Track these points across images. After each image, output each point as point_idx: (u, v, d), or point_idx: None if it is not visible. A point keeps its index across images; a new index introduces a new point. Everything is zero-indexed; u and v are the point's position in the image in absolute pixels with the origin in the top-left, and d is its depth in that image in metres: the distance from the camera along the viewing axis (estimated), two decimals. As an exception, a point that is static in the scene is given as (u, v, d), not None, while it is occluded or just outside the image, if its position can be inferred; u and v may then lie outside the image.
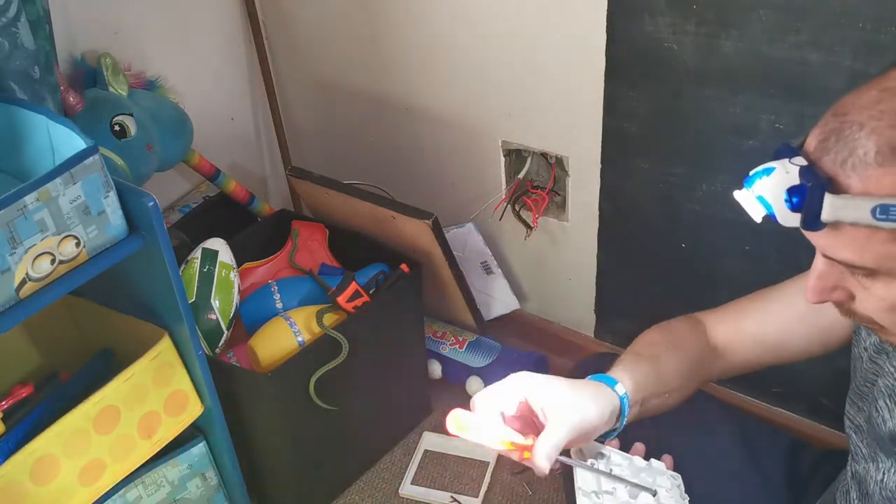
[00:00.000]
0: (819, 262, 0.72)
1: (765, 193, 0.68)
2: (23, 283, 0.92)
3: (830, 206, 0.64)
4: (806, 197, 0.65)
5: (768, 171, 0.68)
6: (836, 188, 0.64)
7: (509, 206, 1.63)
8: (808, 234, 0.69)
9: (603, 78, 1.36)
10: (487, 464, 1.56)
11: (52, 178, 0.91)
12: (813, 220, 0.65)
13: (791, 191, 0.66)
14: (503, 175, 1.62)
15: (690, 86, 1.27)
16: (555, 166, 1.55)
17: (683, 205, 1.39)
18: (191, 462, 1.22)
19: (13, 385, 1.10)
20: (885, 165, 0.63)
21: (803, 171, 0.66)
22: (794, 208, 0.66)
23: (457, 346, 1.66)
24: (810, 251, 1.10)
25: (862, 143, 0.63)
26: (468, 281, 1.59)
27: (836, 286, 0.72)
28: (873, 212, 0.63)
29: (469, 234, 1.69)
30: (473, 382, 1.64)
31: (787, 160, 0.67)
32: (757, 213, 0.69)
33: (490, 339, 1.67)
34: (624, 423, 0.89)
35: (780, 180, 0.67)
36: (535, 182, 1.59)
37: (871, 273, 0.68)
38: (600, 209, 1.51)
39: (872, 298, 0.70)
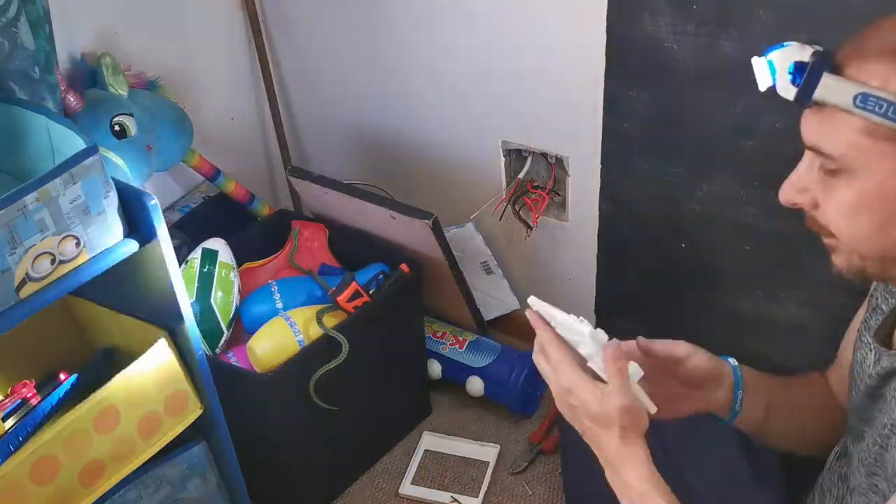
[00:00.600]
0: (801, 164, 0.79)
1: (774, 61, 0.75)
2: (23, 283, 0.92)
3: (823, 86, 0.71)
4: (807, 73, 0.72)
5: (785, 45, 0.74)
6: (834, 71, 0.71)
7: (509, 206, 1.63)
8: (802, 120, 0.76)
9: (603, 78, 1.36)
10: (487, 464, 1.56)
11: (52, 178, 0.91)
12: (805, 95, 0.72)
13: (797, 65, 0.73)
14: (503, 175, 1.62)
15: (690, 86, 1.27)
16: (555, 166, 1.55)
17: (683, 205, 1.39)
18: (190, 462, 1.22)
19: (13, 385, 1.10)
20: (881, 61, 0.70)
21: (815, 53, 0.73)
22: (793, 81, 0.73)
23: (457, 346, 1.66)
24: (810, 251, 1.10)
25: (872, 42, 0.71)
26: (468, 281, 1.59)
27: (806, 188, 0.78)
28: (854, 98, 0.69)
29: (469, 234, 1.69)
30: (473, 382, 1.64)
31: (807, 44, 0.74)
32: (764, 81, 0.76)
33: (490, 339, 1.67)
34: (738, 401, 0.95)
35: (791, 53, 0.74)
36: (535, 182, 1.59)
37: (836, 172, 0.74)
38: (600, 209, 1.51)
39: (833, 203, 0.76)
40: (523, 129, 1.55)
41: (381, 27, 1.62)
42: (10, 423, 1.05)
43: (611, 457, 0.85)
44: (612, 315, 1.66)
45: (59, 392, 1.11)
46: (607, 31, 1.31)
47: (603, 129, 1.42)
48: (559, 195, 1.59)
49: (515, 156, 1.60)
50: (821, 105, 0.72)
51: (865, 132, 0.71)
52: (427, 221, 1.41)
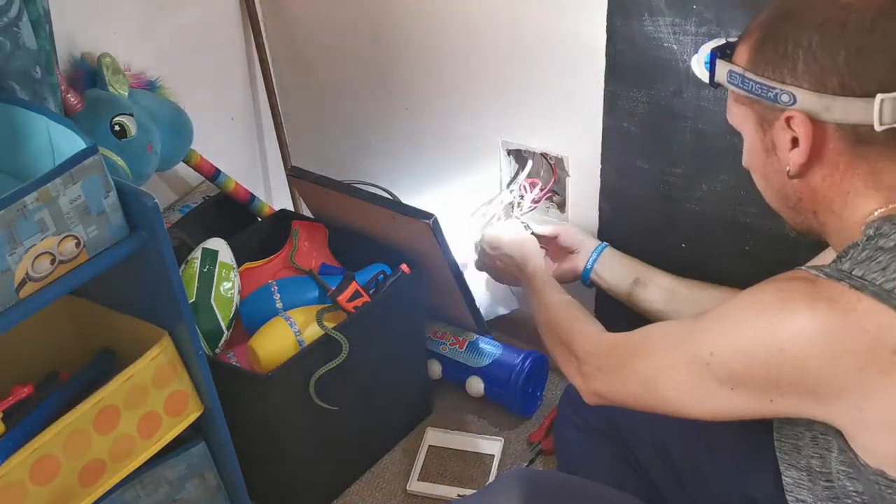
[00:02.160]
0: None
1: (700, 52, 0.93)
2: (23, 283, 0.92)
3: (717, 69, 0.89)
4: (710, 60, 0.89)
5: (712, 39, 0.90)
6: (727, 57, 0.89)
7: (510, 205, 1.63)
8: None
9: (603, 78, 1.36)
10: (493, 457, 1.56)
11: (52, 178, 0.91)
12: (710, 79, 0.90)
13: (711, 53, 0.90)
14: (503, 175, 1.62)
15: (690, 86, 1.27)
16: (555, 166, 1.55)
17: (683, 205, 1.39)
18: (189, 462, 1.22)
19: (13, 385, 1.10)
20: (745, 42, 0.87)
21: (724, 43, 0.90)
22: (706, 67, 0.91)
23: (457, 346, 1.66)
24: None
25: (748, 27, 0.88)
26: (468, 281, 1.58)
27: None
28: (728, 75, 0.88)
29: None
30: (473, 382, 1.64)
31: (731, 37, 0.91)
32: (699, 72, 0.93)
33: (490, 339, 1.67)
34: (590, 264, 1.41)
35: (710, 45, 0.90)
36: (535, 182, 1.59)
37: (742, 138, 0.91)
38: (600, 209, 1.51)
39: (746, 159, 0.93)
40: (523, 129, 1.55)
41: (381, 27, 1.62)
42: (10, 423, 1.04)
43: (522, 272, 1.37)
44: (612, 315, 1.65)
45: (59, 392, 1.11)
46: (607, 31, 1.31)
47: (603, 129, 1.42)
48: (559, 195, 1.59)
49: (515, 156, 1.60)
50: (721, 86, 0.90)
51: (738, 102, 0.90)
52: (427, 221, 1.41)
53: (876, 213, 0.83)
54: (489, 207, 1.56)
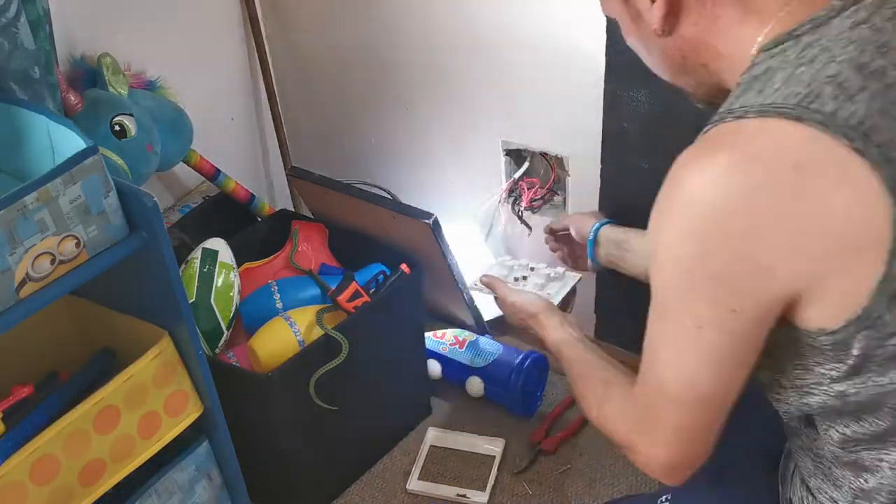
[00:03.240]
0: None
1: None
2: (23, 283, 0.92)
3: None
4: None
5: None
6: None
7: (509, 205, 1.63)
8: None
9: (603, 78, 1.36)
10: (493, 458, 1.56)
11: (52, 178, 0.91)
12: None
13: None
14: (503, 175, 1.62)
15: (690, 86, 1.27)
16: (555, 166, 1.55)
17: (683, 205, 1.39)
18: (197, 463, 1.22)
19: (13, 385, 1.10)
20: None
21: None
22: None
23: (457, 346, 1.66)
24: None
25: None
26: (468, 281, 1.58)
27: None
28: None
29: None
30: (473, 382, 1.64)
31: None
32: None
33: (490, 339, 1.67)
34: (590, 248, 1.41)
35: None
36: (535, 182, 1.59)
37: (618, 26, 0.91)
38: (600, 209, 1.51)
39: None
40: (523, 129, 1.55)
41: (380, 26, 1.62)
42: (10, 423, 1.04)
43: (539, 330, 1.25)
44: (611, 315, 1.66)
45: (59, 392, 1.11)
46: (607, 31, 1.31)
47: (603, 129, 1.42)
48: (559, 195, 1.59)
49: (515, 156, 1.60)
50: None
51: None
52: (427, 221, 1.41)
53: (758, 41, 0.78)
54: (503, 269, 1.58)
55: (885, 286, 0.69)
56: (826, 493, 0.87)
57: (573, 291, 1.51)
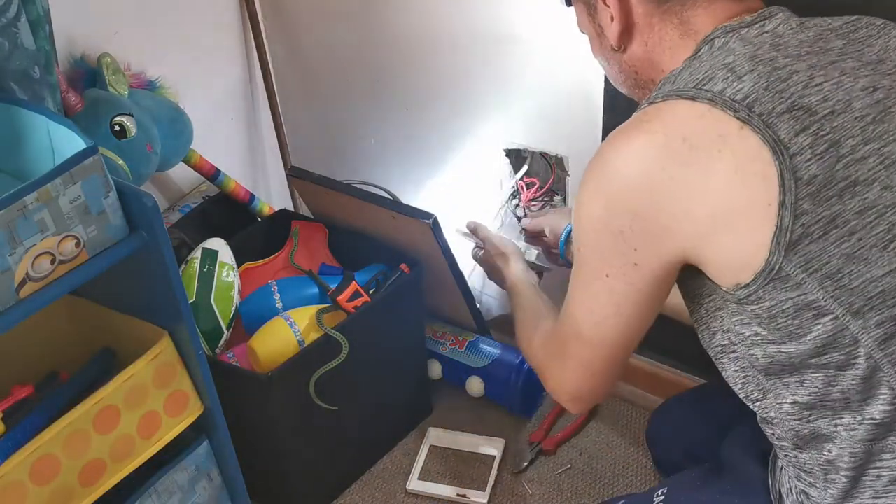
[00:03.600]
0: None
1: None
2: (23, 283, 0.92)
3: None
4: None
5: None
6: None
7: (509, 205, 1.63)
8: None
9: (603, 78, 1.36)
10: (493, 458, 1.56)
11: (52, 178, 0.91)
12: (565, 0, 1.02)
13: None
14: (503, 175, 1.62)
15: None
16: (555, 166, 1.55)
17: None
18: (197, 463, 1.22)
19: (13, 385, 1.10)
20: None
21: None
22: None
23: (457, 346, 1.66)
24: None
25: None
26: (468, 281, 1.58)
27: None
28: None
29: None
30: (473, 382, 1.64)
31: None
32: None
33: (490, 339, 1.67)
34: (562, 244, 1.37)
35: None
36: (535, 182, 1.59)
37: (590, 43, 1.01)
38: (600, 209, 1.51)
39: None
40: (523, 129, 1.55)
41: (380, 27, 1.62)
42: (10, 423, 1.05)
43: (501, 270, 1.35)
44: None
45: (59, 392, 1.11)
46: (607, 31, 1.31)
47: (603, 129, 1.42)
48: (559, 195, 1.59)
49: (515, 156, 1.60)
50: (570, 2, 1.02)
51: (575, 4, 1.01)
52: (427, 221, 1.41)
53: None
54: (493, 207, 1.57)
55: (779, 237, 0.76)
56: (805, 479, 0.89)
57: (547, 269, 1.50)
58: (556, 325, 1.01)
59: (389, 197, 1.63)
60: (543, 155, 1.56)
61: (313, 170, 1.59)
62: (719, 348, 0.91)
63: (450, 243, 1.47)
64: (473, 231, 1.47)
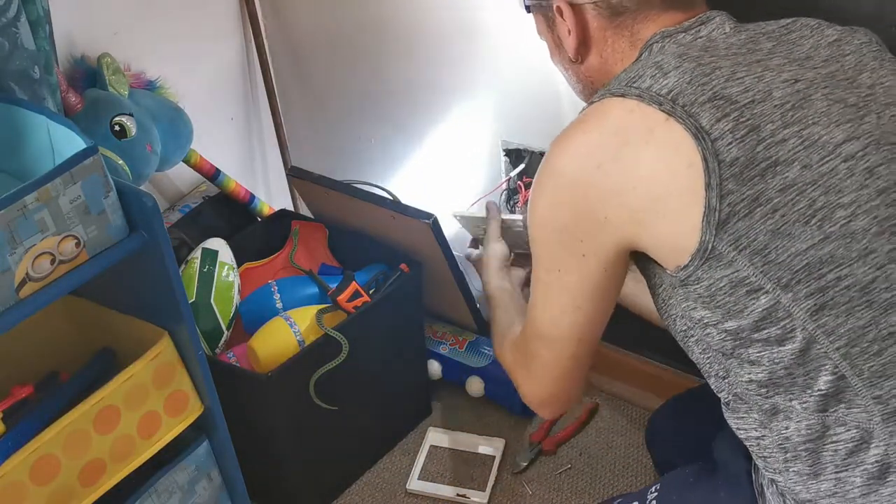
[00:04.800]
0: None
1: None
2: (23, 283, 0.92)
3: None
4: None
5: None
6: None
7: (507, 204, 1.63)
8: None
9: (603, 78, 1.36)
10: (493, 458, 1.56)
11: (52, 178, 0.91)
12: (525, 7, 1.05)
13: None
14: (503, 175, 1.62)
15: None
16: (555, 166, 1.55)
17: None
18: (198, 463, 1.22)
19: (13, 385, 1.10)
20: None
21: None
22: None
23: (457, 346, 1.66)
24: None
25: None
26: (468, 281, 1.58)
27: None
28: (522, 3, 1.04)
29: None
30: (473, 382, 1.64)
31: None
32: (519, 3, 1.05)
33: (490, 339, 1.66)
34: None
35: None
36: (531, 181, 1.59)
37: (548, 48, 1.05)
38: (600, 209, 1.51)
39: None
40: (523, 129, 1.55)
41: (380, 27, 1.62)
42: (10, 423, 1.05)
43: (483, 274, 1.30)
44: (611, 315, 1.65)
45: (59, 392, 1.11)
46: (607, 31, 1.31)
47: (603, 128, 1.42)
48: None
49: (515, 155, 1.60)
50: (529, 9, 1.05)
51: (534, 15, 1.05)
52: (427, 221, 1.41)
53: None
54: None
55: (709, 217, 0.80)
56: (770, 468, 0.92)
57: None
58: (521, 330, 1.05)
59: (389, 197, 1.63)
60: (542, 154, 1.55)
61: (313, 170, 1.59)
62: (682, 334, 0.94)
63: (449, 241, 1.47)
64: (489, 212, 1.41)
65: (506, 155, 1.60)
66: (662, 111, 0.81)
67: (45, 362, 1.21)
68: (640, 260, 0.91)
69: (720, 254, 0.81)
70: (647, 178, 0.82)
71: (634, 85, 0.84)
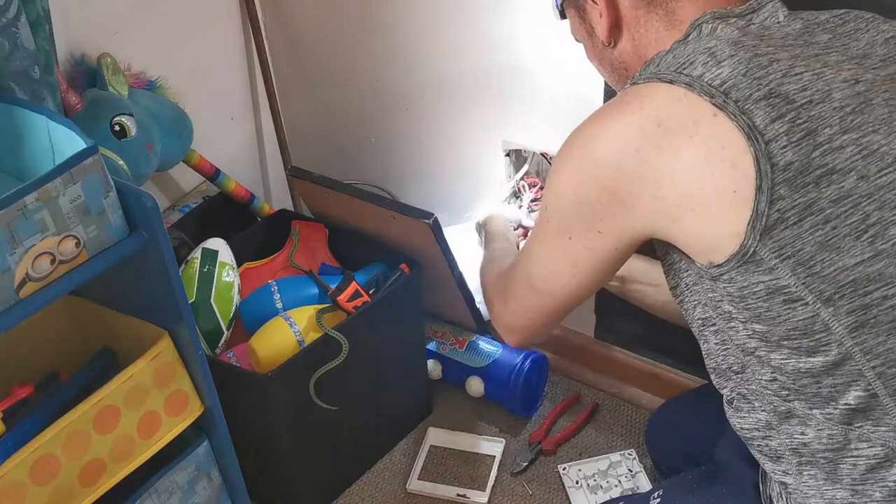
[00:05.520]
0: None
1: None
2: (23, 282, 0.92)
3: (556, 5, 1.04)
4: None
5: None
6: None
7: (509, 206, 1.62)
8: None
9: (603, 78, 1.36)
10: (493, 458, 1.56)
11: (52, 178, 0.91)
12: (558, 13, 1.05)
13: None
14: (503, 175, 1.62)
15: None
16: (555, 166, 1.55)
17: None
18: (198, 463, 1.22)
19: (13, 385, 1.10)
20: None
21: None
22: (555, 6, 1.05)
23: (457, 346, 1.66)
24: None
25: None
26: (468, 281, 1.59)
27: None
28: (556, 4, 1.04)
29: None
30: (473, 382, 1.64)
31: None
32: (554, 14, 1.06)
33: (490, 339, 1.67)
34: None
35: None
36: (535, 182, 1.59)
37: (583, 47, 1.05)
38: (600, 209, 1.51)
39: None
40: (523, 129, 1.55)
41: (380, 27, 1.62)
42: (10, 423, 1.05)
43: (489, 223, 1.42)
44: (612, 315, 1.66)
45: (59, 392, 1.11)
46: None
47: (603, 128, 1.42)
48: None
49: (515, 156, 1.60)
50: (563, 15, 1.04)
51: (567, 10, 1.04)
52: (427, 221, 1.41)
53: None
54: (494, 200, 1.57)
55: (755, 221, 0.76)
56: (779, 469, 0.91)
57: None
58: (509, 268, 1.07)
59: (389, 197, 1.63)
60: (544, 155, 1.56)
61: (313, 170, 1.59)
62: (700, 322, 0.92)
63: (450, 242, 1.47)
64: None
65: (506, 155, 1.60)
66: (713, 104, 0.77)
67: (45, 362, 1.21)
68: (663, 243, 0.89)
69: (761, 259, 0.78)
70: (685, 174, 0.79)
71: (685, 71, 0.80)
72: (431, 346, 1.67)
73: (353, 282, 1.41)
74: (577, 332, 1.73)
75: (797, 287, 0.78)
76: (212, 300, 1.43)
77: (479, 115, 1.59)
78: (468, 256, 1.52)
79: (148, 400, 1.11)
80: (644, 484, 1.48)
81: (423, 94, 1.65)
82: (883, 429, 0.81)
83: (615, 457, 1.52)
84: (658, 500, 1.07)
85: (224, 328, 1.44)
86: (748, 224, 0.77)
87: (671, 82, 0.80)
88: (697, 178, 0.78)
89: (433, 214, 1.42)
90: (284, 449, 1.41)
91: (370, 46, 1.66)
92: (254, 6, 1.72)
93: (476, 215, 1.53)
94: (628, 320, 1.62)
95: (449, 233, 1.45)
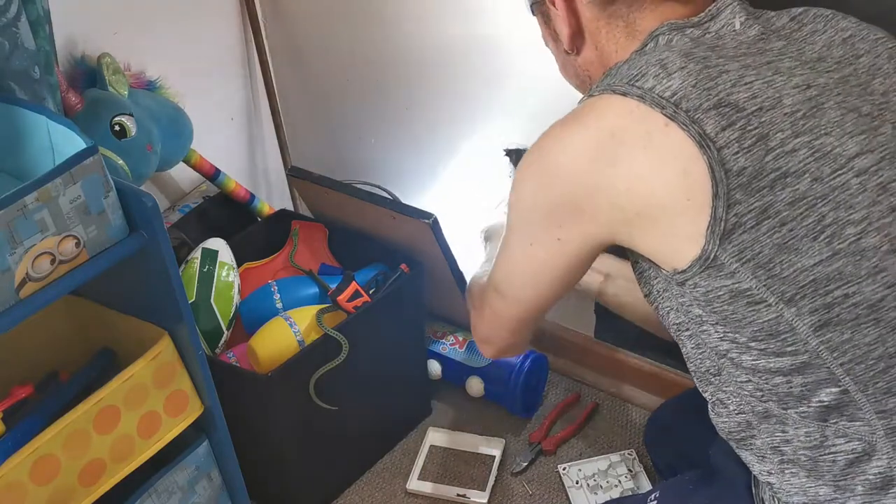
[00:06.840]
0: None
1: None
2: (23, 282, 0.92)
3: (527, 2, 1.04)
4: None
5: None
6: None
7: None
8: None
9: (603, 78, 1.36)
10: (493, 458, 1.56)
11: (52, 178, 0.91)
12: (529, 9, 1.05)
13: None
14: (504, 175, 1.62)
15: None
16: (555, 166, 1.55)
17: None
18: (198, 463, 1.22)
19: (13, 385, 1.10)
20: None
21: None
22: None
23: (457, 346, 1.66)
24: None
25: None
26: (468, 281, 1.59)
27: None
28: (527, 3, 1.04)
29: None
30: (473, 382, 1.64)
31: None
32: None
33: (490, 338, 1.67)
34: None
35: None
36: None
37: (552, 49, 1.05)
38: (600, 209, 1.51)
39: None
40: (523, 129, 1.54)
41: (380, 26, 1.62)
42: (10, 423, 1.05)
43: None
44: (612, 315, 1.65)
45: (59, 392, 1.11)
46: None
47: (603, 129, 1.42)
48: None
49: (515, 156, 1.60)
50: (534, 13, 1.04)
51: (535, 15, 1.05)
52: (427, 221, 1.41)
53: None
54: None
55: (714, 227, 0.78)
56: (764, 470, 0.92)
57: None
58: (485, 279, 1.10)
59: (389, 197, 1.63)
60: (543, 155, 1.56)
61: (313, 170, 1.59)
62: (675, 327, 0.93)
63: (449, 243, 1.47)
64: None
65: (506, 155, 1.60)
66: (664, 115, 0.78)
67: (45, 362, 1.21)
68: (632, 251, 0.90)
69: (722, 264, 0.79)
70: (640, 182, 0.80)
71: (637, 84, 0.81)
72: (431, 346, 1.66)
73: (353, 282, 1.41)
74: (577, 332, 1.73)
75: (759, 289, 0.79)
76: (212, 300, 1.43)
77: (479, 115, 1.59)
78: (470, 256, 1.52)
79: (148, 400, 1.11)
80: (644, 484, 1.48)
81: (423, 94, 1.65)
82: (858, 423, 0.82)
83: (615, 457, 1.52)
84: (654, 502, 1.08)
85: (224, 328, 1.44)
86: (707, 229, 0.78)
87: (624, 94, 0.82)
88: (652, 188, 0.80)
89: (433, 214, 1.42)
90: (284, 449, 1.41)
91: (370, 46, 1.66)
92: (254, 6, 1.72)
93: (481, 223, 1.53)
94: (627, 321, 1.62)
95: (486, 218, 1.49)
